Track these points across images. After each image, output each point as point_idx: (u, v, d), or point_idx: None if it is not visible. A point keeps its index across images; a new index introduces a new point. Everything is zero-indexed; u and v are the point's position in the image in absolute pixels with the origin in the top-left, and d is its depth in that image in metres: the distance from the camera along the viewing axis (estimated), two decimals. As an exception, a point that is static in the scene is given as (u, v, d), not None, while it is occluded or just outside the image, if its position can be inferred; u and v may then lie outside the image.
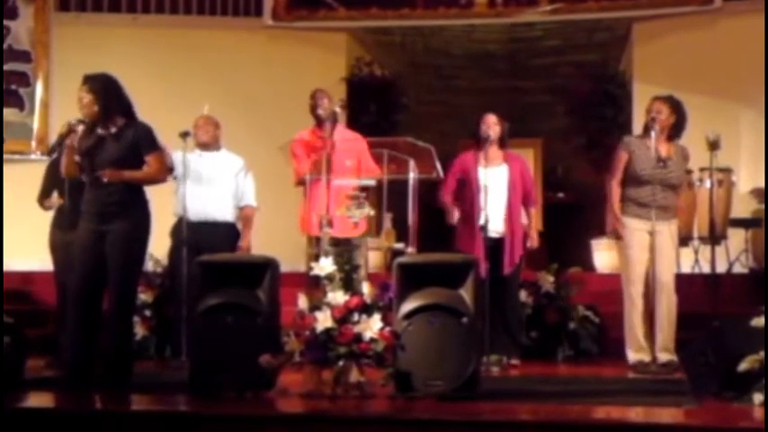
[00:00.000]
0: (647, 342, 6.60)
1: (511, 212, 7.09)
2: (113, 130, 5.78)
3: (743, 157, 9.34)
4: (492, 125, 7.14)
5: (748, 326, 4.93)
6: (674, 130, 6.78)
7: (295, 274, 7.25)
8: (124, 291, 5.76)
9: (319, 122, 7.04)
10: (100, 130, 5.78)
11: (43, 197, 7.33)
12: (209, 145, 7.39)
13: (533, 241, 7.27)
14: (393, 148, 6.94)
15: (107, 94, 5.77)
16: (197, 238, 7.02)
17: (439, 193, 7.25)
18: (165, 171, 6.02)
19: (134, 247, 5.79)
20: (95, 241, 5.71)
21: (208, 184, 7.28)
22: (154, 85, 9.33)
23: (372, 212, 6.77)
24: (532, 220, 7.34)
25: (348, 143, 7.00)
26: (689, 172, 7.88)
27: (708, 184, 7.05)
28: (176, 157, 7.18)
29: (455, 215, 7.20)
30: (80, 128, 5.78)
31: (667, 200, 6.72)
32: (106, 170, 5.66)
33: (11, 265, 8.66)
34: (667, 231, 6.68)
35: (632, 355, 6.66)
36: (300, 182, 6.95)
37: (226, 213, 7.33)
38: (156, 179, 5.91)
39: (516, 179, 7.15)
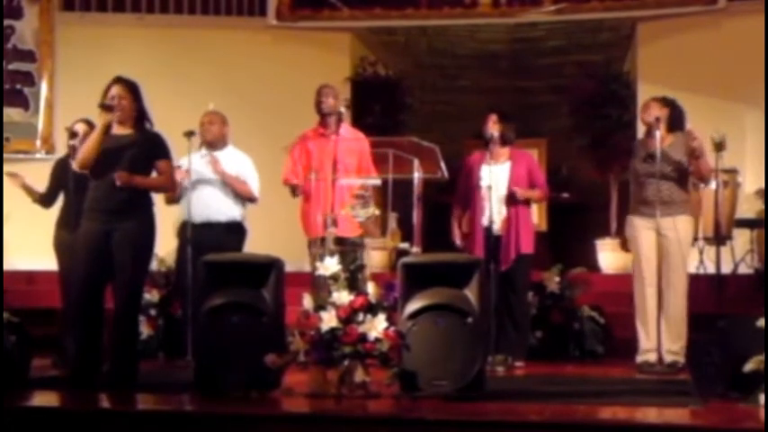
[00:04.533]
0: (656, 342, 6.57)
1: (511, 210, 7.05)
2: (128, 132, 5.79)
3: (748, 157, 9.31)
4: (491, 124, 7.14)
5: (753, 326, 4.91)
6: (672, 123, 6.75)
7: (299, 273, 7.26)
8: (131, 290, 5.77)
9: (322, 118, 7.08)
10: (117, 131, 5.79)
11: (48, 198, 7.31)
12: (215, 143, 7.26)
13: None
14: (397, 148, 6.94)
15: (140, 97, 5.85)
16: (200, 240, 6.94)
17: (452, 207, 7.27)
18: (174, 181, 6.06)
19: (141, 247, 5.81)
20: (101, 240, 5.72)
21: (209, 185, 7.17)
22: (158, 84, 9.23)
23: (378, 212, 6.78)
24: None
25: (350, 142, 7.01)
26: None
27: (713, 184, 7.02)
28: (182, 163, 7.11)
29: (458, 237, 7.20)
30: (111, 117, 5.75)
31: (671, 194, 6.68)
32: (122, 174, 5.67)
33: (16, 264, 8.68)
34: (673, 231, 6.63)
35: (639, 356, 6.65)
36: (285, 183, 7.10)
37: (229, 213, 7.20)
38: (165, 186, 6.01)
39: (520, 176, 7.09)
